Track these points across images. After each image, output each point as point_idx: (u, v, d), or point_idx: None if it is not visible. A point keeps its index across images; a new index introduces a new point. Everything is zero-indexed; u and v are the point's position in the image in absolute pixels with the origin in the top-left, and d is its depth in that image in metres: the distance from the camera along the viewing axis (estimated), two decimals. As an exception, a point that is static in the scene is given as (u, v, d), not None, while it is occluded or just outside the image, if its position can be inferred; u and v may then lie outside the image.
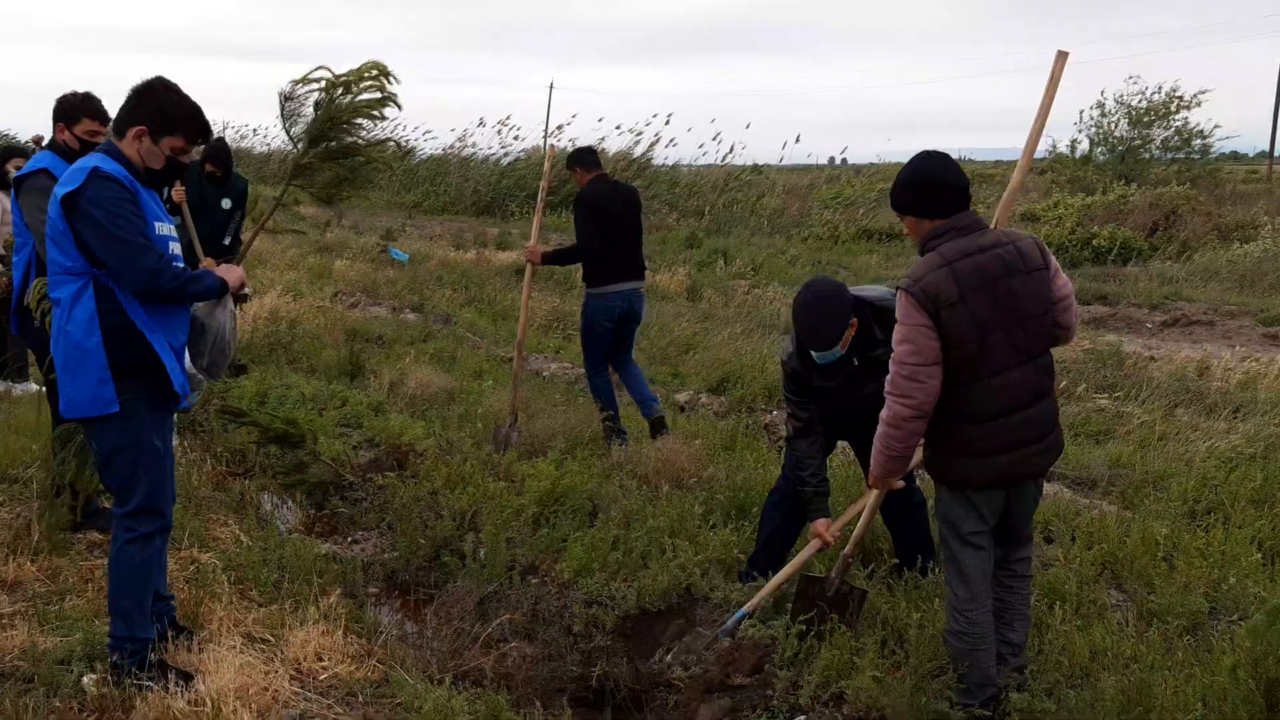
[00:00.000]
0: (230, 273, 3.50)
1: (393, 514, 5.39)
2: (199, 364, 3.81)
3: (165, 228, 3.33)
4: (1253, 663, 2.91)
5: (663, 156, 28.21)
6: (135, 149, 3.26)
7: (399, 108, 4.25)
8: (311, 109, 4.17)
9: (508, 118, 32.56)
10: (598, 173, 6.69)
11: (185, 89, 3.36)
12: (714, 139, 28.03)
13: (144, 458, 3.29)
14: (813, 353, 3.95)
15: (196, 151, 4.29)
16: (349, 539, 5.35)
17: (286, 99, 4.13)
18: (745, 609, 4.00)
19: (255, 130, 39.66)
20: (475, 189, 29.05)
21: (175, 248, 3.37)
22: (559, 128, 33.67)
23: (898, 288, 3.33)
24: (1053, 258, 3.35)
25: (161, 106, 3.28)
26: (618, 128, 28.33)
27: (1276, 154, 36.51)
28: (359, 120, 4.19)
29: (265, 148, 40.32)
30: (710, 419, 7.23)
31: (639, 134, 28.15)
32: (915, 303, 3.18)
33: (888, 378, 3.29)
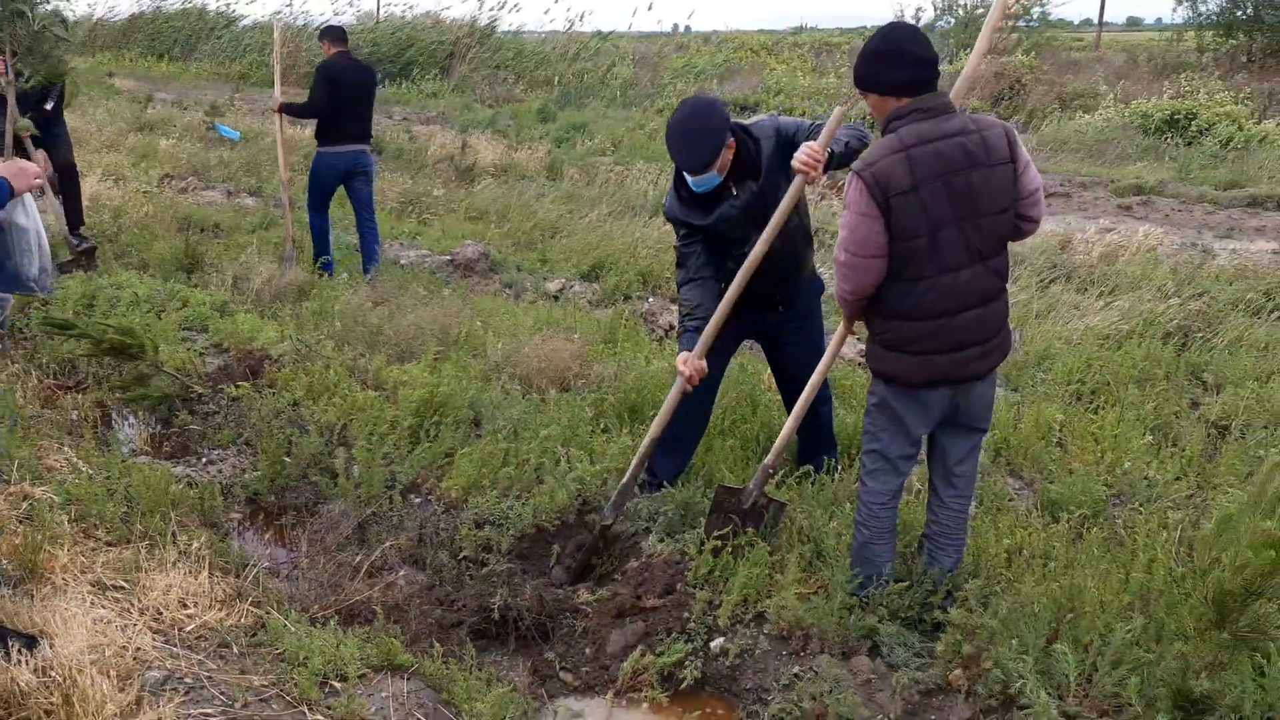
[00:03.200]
0: (9, 168, 2.96)
1: (250, 429, 4.91)
2: (28, 273, 3.31)
3: None
4: (1201, 574, 2.83)
5: (507, 24, 27.09)
6: None
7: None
8: None
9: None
10: (341, 49, 7.66)
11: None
12: (556, 1, 26.93)
13: None
14: (688, 178, 3.63)
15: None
16: (203, 460, 4.85)
17: None
18: (624, 481, 3.79)
19: None
20: (309, 60, 27.27)
21: None
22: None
23: (851, 170, 3.06)
24: (1023, 149, 3.08)
25: None
26: (459, -8, 26.83)
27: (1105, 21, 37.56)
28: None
29: (71, 13, 36.92)
30: (585, 310, 6.91)
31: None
32: (865, 187, 2.96)
33: (834, 255, 3.11)
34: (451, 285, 7.45)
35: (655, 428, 3.76)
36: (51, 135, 7.43)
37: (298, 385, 5.12)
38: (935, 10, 26.08)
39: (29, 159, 6.91)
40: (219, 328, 6.04)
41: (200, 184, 11.59)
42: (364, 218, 7.81)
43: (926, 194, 2.94)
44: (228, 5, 33.15)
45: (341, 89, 7.37)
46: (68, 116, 8.37)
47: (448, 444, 4.48)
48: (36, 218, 3.27)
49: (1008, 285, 3.21)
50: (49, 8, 3.77)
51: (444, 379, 4.89)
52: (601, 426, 4.61)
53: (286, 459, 4.60)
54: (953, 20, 25.82)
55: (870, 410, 3.31)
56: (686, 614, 3.42)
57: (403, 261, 8.16)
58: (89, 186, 10.27)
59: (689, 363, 3.63)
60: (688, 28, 44.06)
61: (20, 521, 3.77)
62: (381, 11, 31.75)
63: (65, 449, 4.52)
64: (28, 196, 3.22)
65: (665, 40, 32.85)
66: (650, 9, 57.58)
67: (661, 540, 3.79)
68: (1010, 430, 4.78)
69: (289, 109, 7.67)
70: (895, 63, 3.01)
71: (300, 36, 29.12)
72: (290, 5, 32.05)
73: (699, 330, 3.68)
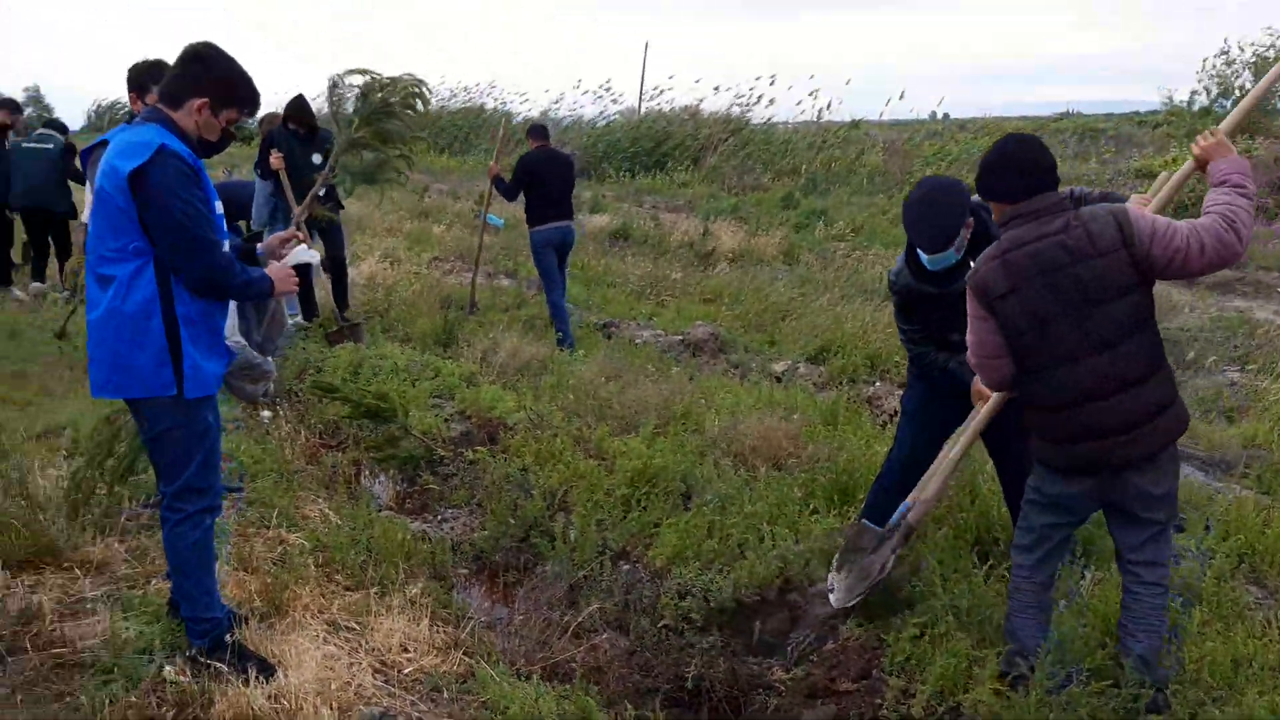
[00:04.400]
0: (278, 272, 3.37)
1: (482, 491, 5.26)
2: (252, 341, 3.72)
3: (219, 205, 3.20)
4: None
5: (762, 116, 27.69)
6: (194, 121, 3.11)
7: (426, 104, 4.30)
8: (355, 98, 4.17)
9: (607, 81, 32.33)
10: (541, 143, 8.99)
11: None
12: (810, 95, 27.30)
13: (194, 435, 3.19)
14: (923, 256, 3.65)
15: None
16: (439, 517, 5.24)
17: (334, 86, 4.09)
18: (905, 504, 3.83)
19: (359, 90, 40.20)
20: (572, 152, 28.96)
21: (224, 224, 3.26)
22: (657, 90, 33.36)
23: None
24: (1144, 224, 3.02)
25: (223, 78, 3.15)
26: (716, 88, 27.87)
27: None
28: (397, 115, 4.25)
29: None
30: (809, 391, 6.94)
31: (741, 96, 27.71)
32: (971, 293, 3.18)
33: None
34: (680, 364, 7.68)
35: (961, 449, 3.76)
36: (331, 226, 8.35)
37: (528, 452, 5.44)
38: (1206, 93, 24.53)
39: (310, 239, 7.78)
40: (464, 396, 6.50)
41: (464, 266, 12.48)
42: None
43: (1026, 294, 3.07)
44: (502, 103, 35.79)
45: (541, 176, 8.71)
46: (356, 204, 9.46)
47: (657, 514, 4.63)
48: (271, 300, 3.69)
49: (1161, 367, 3.12)
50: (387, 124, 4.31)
51: (658, 451, 5.07)
52: (810, 507, 4.63)
53: (511, 520, 4.89)
54: (1228, 103, 24.23)
55: (1027, 485, 3.35)
56: (879, 700, 3.37)
57: (637, 340, 8.47)
58: (369, 267, 11.36)
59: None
60: (945, 115, 43.39)
61: (274, 563, 4.21)
62: (643, 107, 33.35)
63: (320, 501, 4.99)
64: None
65: (917, 128, 32.56)
66: (901, 98, 57.02)
67: (860, 625, 3.75)
68: (1256, 535, 4.42)
69: (499, 182, 9.00)
70: (1000, 172, 3.16)
71: (569, 132, 31.05)
72: (558, 103, 34.10)
73: (962, 363, 3.73)
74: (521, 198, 8.97)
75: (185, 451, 3.21)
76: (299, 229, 6.84)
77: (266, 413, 6.54)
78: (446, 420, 6.22)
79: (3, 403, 5.96)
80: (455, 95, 37.31)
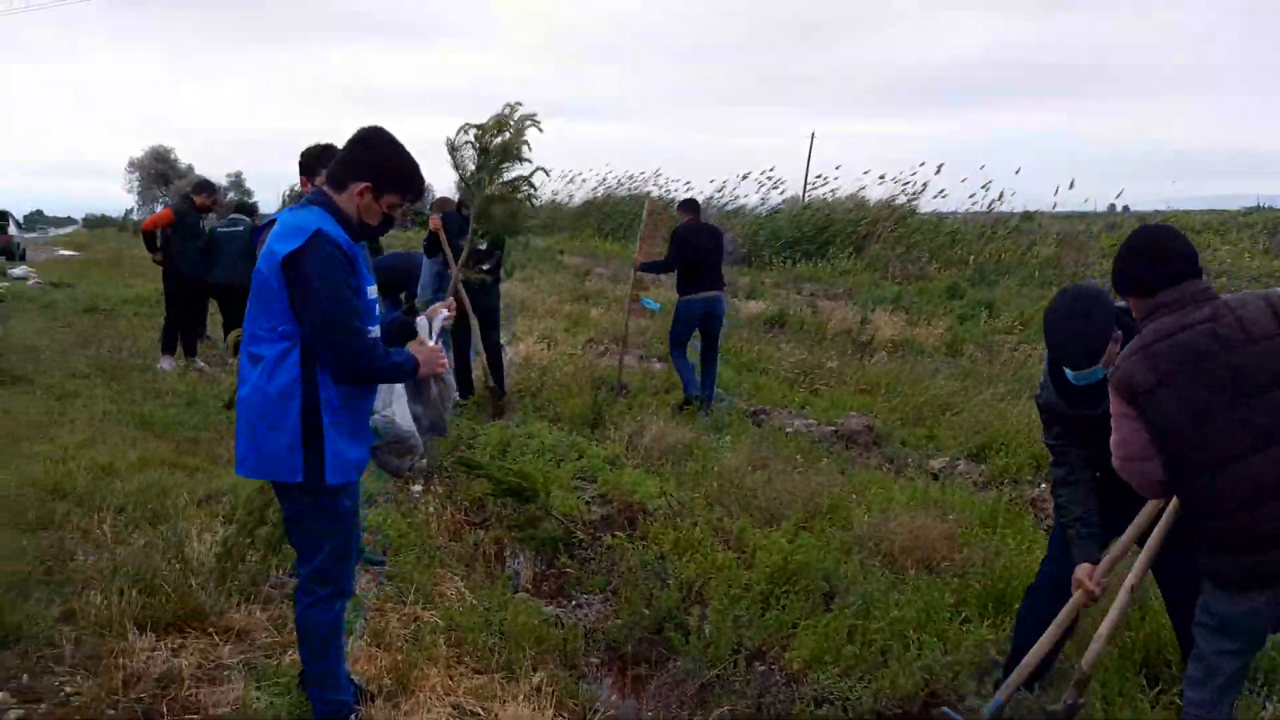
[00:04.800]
0: (424, 353, 3.39)
1: (618, 578, 5.16)
2: (421, 422, 3.73)
3: (373, 290, 3.25)
4: None
5: (930, 205, 27.32)
6: (355, 205, 3.15)
7: (540, 129, 4.34)
8: (474, 154, 4.18)
9: (771, 169, 32.56)
10: (692, 217, 9.31)
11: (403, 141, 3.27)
12: (983, 186, 26.67)
13: (329, 522, 3.20)
14: (1069, 373, 3.38)
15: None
16: (574, 601, 5.15)
17: (453, 149, 4.13)
18: (998, 698, 3.45)
19: (529, 182, 41.76)
20: (732, 238, 29.17)
21: (378, 308, 3.30)
22: (821, 179, 33.40)
23: None
24: None
25: (386, 163, 3.17)
26: (881, 178, 27.66)
27: None
28: (518, 155, 4.23)
29: (537, 200, 42.22)
30: (969, 490, 6.60)
31: (905, 183, 27.44)
32: (1113, 389, 2.97)
33: None
34: (832, 455, 7.45)
35: (1036, 654, 3.44)
36: (489, 308, 8.59)
37: (666, 540, 5.32)
38: None
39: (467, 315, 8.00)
40: (607, 479, 6.46)
41: (619, 349, 12.61)
42: (710, 355, 9.29)
43: (1177, 387, 2.85)
44: (667, 190, 36.47)
45: (693, 248, 9.00)
46: (520, 287, 9.83)
47: (796, 613, 4.43)
48: (433, 382, 3.69)
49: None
50: (511, 175, 4.35)
51: (800, 547, 4.87)
52: (961, 615, 4.34)
53: (645, 610, 4.76)
54: None
55: (1197, 607, 3.01)
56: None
57: (788, 429, 8.29)
58: (526, 348, 11.59)
59: (1094, 578, 3.36)
60: (1125, 207, 41.69)
61: (406, 640, 4.20)
62: (807, 195, 33.40)
63: (457, 579, 4.99)
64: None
65: (1094, 219, 31.41)
66: (1071, 187, 55.16)
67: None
68: None
69: (647, 266, 9.55)
70: (1138, 262, 3.04)
71: (731, 218, 31.33)
72: (721, 191, 34.53)
73: (1094, 539, 3.45)
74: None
75: (319, 537, 3.22)
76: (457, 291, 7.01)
77: (417, 487, 6.66)
78: (588, 502, 6.17)
79: (172, 468, 6.23)
80: (622, 183, 38.31)
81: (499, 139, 4.02)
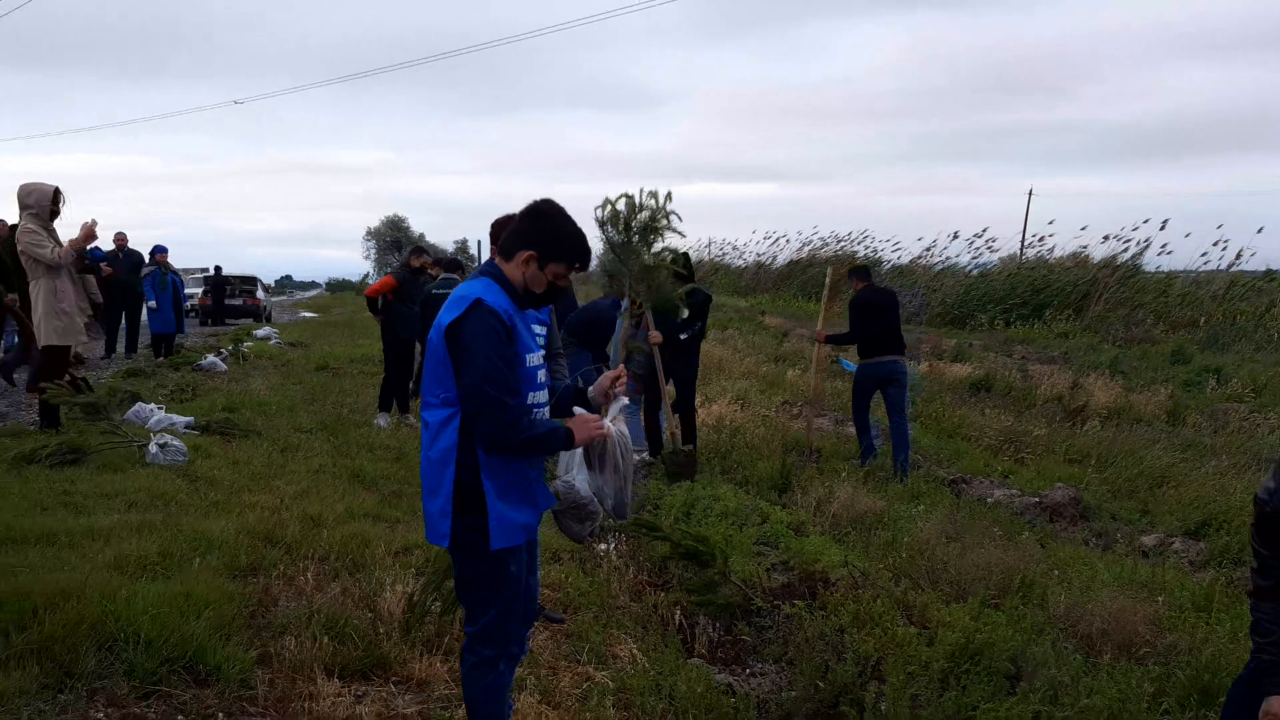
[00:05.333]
0: (581, 426, 3.38)
1: (795, 648, 5.04)
2: (604, 499, 3.72)
3: (535, 358, 3.31)
4: None
5: (1155, 263, 25.80)
6: (521, 273, 3.25)
7: (680, 218, 4.32)
8: (619, 231, 4.24)
9: (984, 231, 31.65)
10: (866, 284, 9.62)
11: (572, 212, 3.35)
12: (1217, 245, 24.86)
13: (495, 585, 3.25)
14: None
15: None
16: (748, 670, 5.07)
17: (602, 224, 4.19)
18: None
19: (734, 245, 42.08)
20: (943, 300, 28.44)
21: (542, 375, 3.35)
22: (1038, 238, 32.18)
23: None
24: None
25: (551, 233, 3.26)
26: (1105, 238, 26.22)
27: None
28: (658, 229, 4.26)
29: (741, 262, 42.55)
30: (1183, 570, 6.12)
31: (1126, 240, 26.07)
32: None
33: None
34: (1033, 528, 7.08)
35: None
36: (685, 369, 8.68)
37: (846, 611, 5.17)
38: None
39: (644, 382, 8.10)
40: (789, 546, 6.35)
41: (814, 411, 12.44)
42: (896, 421, 9.19)
43: None
44: (873, 250, 35.97)
45: (871, 313, 9.24)
46: (718, 348, 10.03)
47: (978, 695, 4.19)
48: (614, 457, 3.69)
49: None
50: (664, 245, 4.42)
51: (986, 624, 4.62)
52: (1161, 707, 4.01)
53: (821, 683, 4.62)
54: None
55: None
56: None
57: (988, 499, 7.94)
58: (719, 409, 11.61)
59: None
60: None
61: (576, 700, 4.24)
62: (1024, 254, 32.21)
63: (632, 641, 5.00)
64: (613, 438, 3.67)
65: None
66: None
67: None
68: None
69: (833, 338, 9.68)
70: None
71: (942, 277, 30.54)
72: (930, 250, 33.81)
73: None
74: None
75: (485, 600, 3.29)
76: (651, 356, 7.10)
77: (603, 545, 6.75)
78: (769, 569, 6.08)
79: (375, 520, 6.56)
80: (826, 243, 38.10)
81: (640, 217, 4.12)
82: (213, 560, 5.20)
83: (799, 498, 7.69)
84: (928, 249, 34.10)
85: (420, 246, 11.76)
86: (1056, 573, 5.79)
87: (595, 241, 4.37)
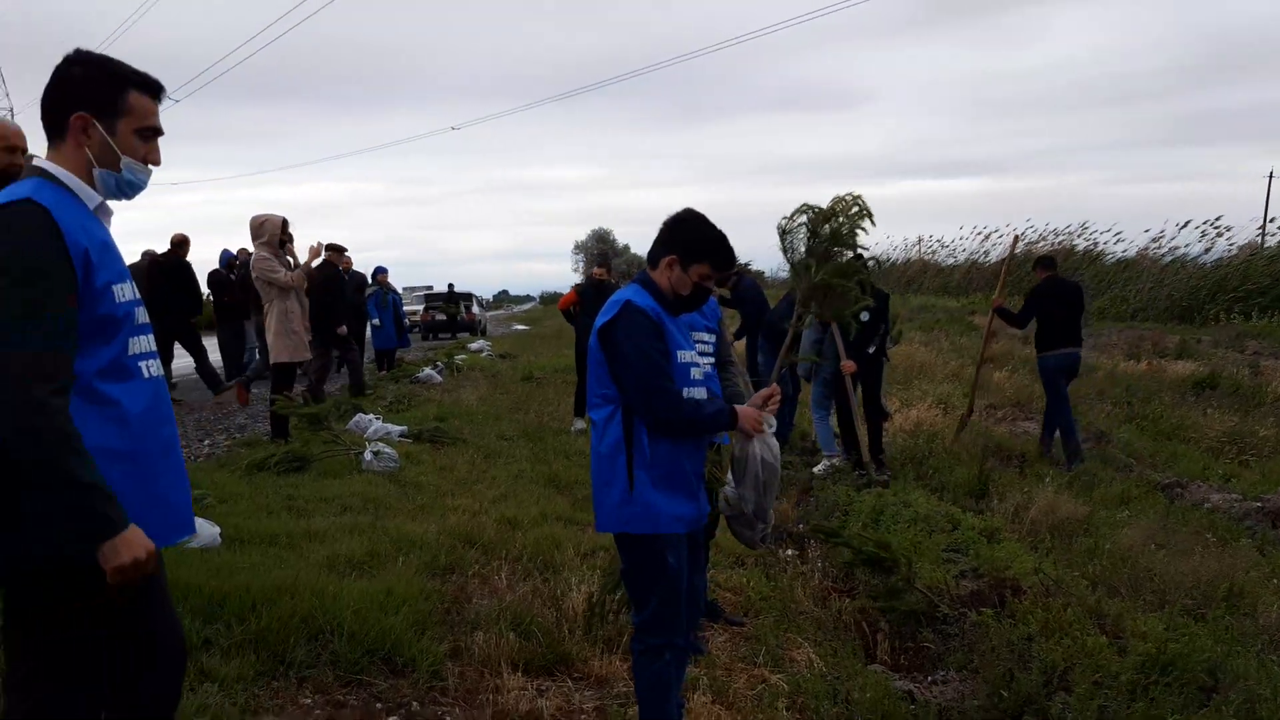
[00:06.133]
0: (747, 413, 3.51)
1: (979, 656, 4.92)
2: (745, 505, 3.78)
3: (687, 355, 3.43)
4: None
5: None
6: (666, 277, 3.43)
7: (872, 225, 4.18)
8: (805, 237, 4.17)
9: (1218, 218, 29.46)
10: (1050, 274, 9.73)
11: (714, 218, 3.47)
12: None
13: (653, 575, 3.38)
14: None
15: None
16: (930, 678, 4.99)
17: (783, 233, 4.16)
18: None
19: (942, 243, 40.76)
20: (1170, 294, 26.69)
21: (696, 373, 3.45)
22: (1273, 220, 29.73)
23: None
24: None
25: (691, 237, 3.43)
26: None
27: None
28: (850, 244, 4.15)
29: (951, 260, 41.24)
30: None
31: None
32: None
33: None
34: (1254, 535, 6.61)
35: None
36: (871, 375, 8.59)
37: (1034, 619, 5.01)
38: None
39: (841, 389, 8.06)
40: (980, 552, 6.18)
41: (1020, 414, 11.99)
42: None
43: None
44: (1093, 244, 34.06)
45: (1050, 305, 9.43)
46: (920, 350, 10.00)
47: (1168, 707, 3.98)
48: (756, 454, 3.74)
49: None
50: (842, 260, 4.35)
51: (1181, 634, 4.38)
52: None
53: (1004, 693, 4.50)
54: None
55: None
56: None
57: (1205, 504, 7.47)
58: (918, 413, 11.36)
59: None
60: None
61: (750, 701, 4.31)
62: (1265, 241, 29.80)
63: (809, 645, 5.02)
64: (766, 435, 3.74)
65: None
66: None
67: None
68: None
69: (1003, 312, 9.75)
70: None
71: (1171, 270, 28.64)
72: (1157, 241, 31.71)
73: None
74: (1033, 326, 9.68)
75: (645, 589, 3.43)
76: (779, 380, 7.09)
77: (789, 550, 6.77)
78: (957, 576, 5.94)
79: (567, 523, 6.83)
80: (1044, 238, 36.38)
81: (828, 226, 4.07)
82: (414, 560, 5.55)
83: (996, 504, 7.46)
84: (1155, 240, 32.01)
85: (604, 258, 12.11)
86: (1276, 581, 5.40)
87: (775, 253, 4.40)
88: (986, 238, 38.36)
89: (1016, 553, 6.07)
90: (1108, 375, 14.10)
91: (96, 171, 2.39)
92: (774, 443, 3.69)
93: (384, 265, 18.38)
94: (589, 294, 11.37)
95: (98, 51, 2.44)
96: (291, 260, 9.65)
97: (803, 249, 4.12)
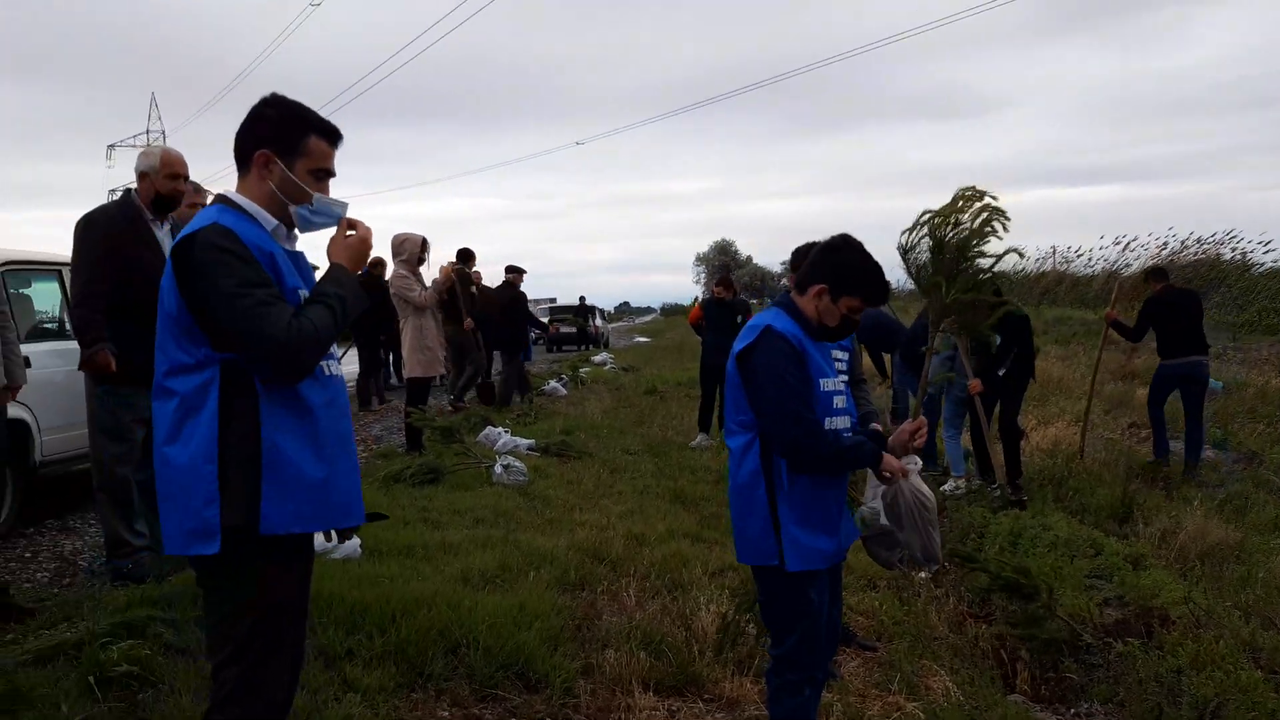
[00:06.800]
0: (892, 461, 3.40)
1: (1126, 689, 4.73)
2: (913, 546, 3.66)
3: (830, 383, 3.32)
4: None
5: None
6: (814, 306, 3.33)
7: (1005, 229, 3.89)
8: (928, 248, 3.96)
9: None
10: (1165, 284, 9.97)
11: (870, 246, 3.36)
12: None
13: (794, 609, 3.31)
14: None
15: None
16: (1073, 710, 4.81)
17: (905, 251, 3.97)
18: None
19: (1078, 252, 39.29)
20: (1196, 289, 25.16)
21: (839, 401, 3.35)
22: None
23: None
24: None
25: (844, 267, 3.31)
26: None
27: None
28: (976, 252, 3.90)
29: (1088, 270, 39.79)
30: None
31: None
32: None
33: None
34: None
35: None
36: (1007, 394, 8.35)
37: (1185, 651, 4.79)
38: None
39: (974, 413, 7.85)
40: (1125, 580, 5.95)
41: (1168, 433, 11.48)
42: (1192, 424, 9.58)
43: None
44: (1241, 253, 32.44)
45: (1163, 315, 9.59)
46: (1056, 365, 9.81)
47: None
48: (901, 504, 3.62)
49: None
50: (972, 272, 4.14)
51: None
52: None
53: (1152, 728, 4.32)
54: None
55: None
56: None
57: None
58: (1056, 431, 11.01)
59: None
60: None
61: (882, 729, 4.22)
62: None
63: (945, 673, 4.89)
64: (912, 479, 3.64)
65: None
66: None
67: None
68: None
69: (1118, 325, 9.99)
70: None
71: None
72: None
73: None
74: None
75: (786, 623, 3.36)
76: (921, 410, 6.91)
77: (924, 573, 6.62)
78: (1101, 604, 5.72)
79: (694, 540, 6.82)
80: (1187, 247, 34.76)
81: (953, 234, 3.85)
82: (545, 574, 5.63)
83: (1141, 528, 7.16)
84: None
85: (725, 276, 12.12)
86: None
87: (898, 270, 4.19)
88: (1126, 247, 36.80)
89: (1164, 581, 5.82)
90: (1259, 393, 13.39)
91: (291, 208, 2.67)
92: (919, 483, 3.58)
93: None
94: (711, 310, 11.43)
95: (290, 98, 2.71)
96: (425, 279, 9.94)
97: (929, 266, 3.95)
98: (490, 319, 13.79)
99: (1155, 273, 10.29)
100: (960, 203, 3.84)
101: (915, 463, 3.54)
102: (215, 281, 2.42)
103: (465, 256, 14.07)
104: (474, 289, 13.82)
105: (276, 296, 2.49)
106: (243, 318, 2.41)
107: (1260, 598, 5.45)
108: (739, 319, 11.31)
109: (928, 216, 3.89)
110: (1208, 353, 9.73)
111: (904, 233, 3.95)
